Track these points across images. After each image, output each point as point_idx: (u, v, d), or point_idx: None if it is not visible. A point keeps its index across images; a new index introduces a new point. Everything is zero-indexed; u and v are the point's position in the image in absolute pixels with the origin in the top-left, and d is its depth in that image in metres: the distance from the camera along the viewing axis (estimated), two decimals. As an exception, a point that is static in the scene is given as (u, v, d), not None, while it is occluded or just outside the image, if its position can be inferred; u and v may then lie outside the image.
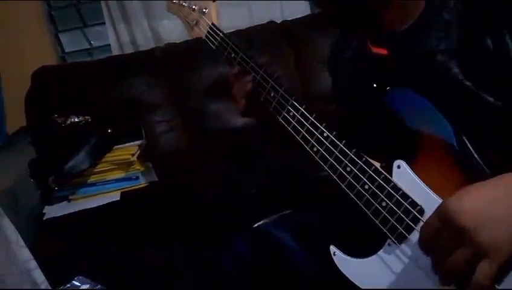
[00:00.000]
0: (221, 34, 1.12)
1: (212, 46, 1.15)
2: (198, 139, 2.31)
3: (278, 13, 2.53)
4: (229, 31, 2.41)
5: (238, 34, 2.43)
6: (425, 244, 0.68)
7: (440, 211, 0.66)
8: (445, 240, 0.65)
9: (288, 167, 1.76)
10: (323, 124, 0.89)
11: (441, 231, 0.66)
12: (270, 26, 2.46)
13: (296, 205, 1.32)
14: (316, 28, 2.28)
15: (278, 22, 2.48)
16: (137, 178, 1.99)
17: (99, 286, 1.34)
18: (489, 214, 0.62)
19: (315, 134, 0.90)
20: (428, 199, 0.73)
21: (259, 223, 1.21)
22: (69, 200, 1.91)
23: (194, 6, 1.21)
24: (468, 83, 0.75)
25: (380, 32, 0.88)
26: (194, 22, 1.21)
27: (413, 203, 0.75)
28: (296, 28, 2.41)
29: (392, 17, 0.85)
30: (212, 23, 1.15)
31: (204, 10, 1.18)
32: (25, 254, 1.42)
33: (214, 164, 2.06)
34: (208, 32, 1.16)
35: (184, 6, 1.24)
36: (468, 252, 0.63)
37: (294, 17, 2.47)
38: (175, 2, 1.27)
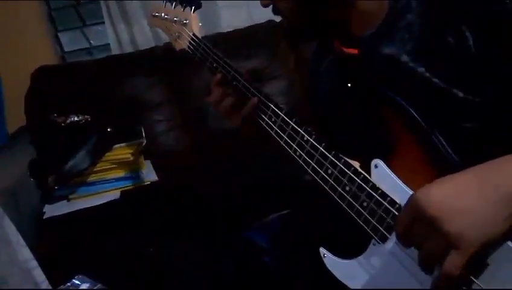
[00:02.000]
0: (202, 44, 1.13)
1: (195, 56, 1.15)
2: (198, 139, 2.31)
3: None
4: (228, 31, 2.44)
5: (237, 33, 2.43)
6: (401, 239, 0.69)
7: (410, 204, 0.66)
8: (418, 232, 0.65)
9: (287, 166, 1.76)
10: (303, 128, 0.90)
11: (413, 224, 0.66)
12: (269, 25, 2.46)
13: (294, 205, 1.33)
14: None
15: (277, 21, 2.48)
16: (137, 177, 1.99)
17: (99, 285, 1.35)
18: (458, 205, 0.62)
19: (296, 138, 0.91)
20: (407, 197, 0.72)
21: (248, 229, 1.21)
22: (68, 199, 1.92)
23: (175, 18, 1.20)
24: (435, 80, 0.75)
25: (349, 36, 0.88)
26: (177, 34, 1.20)
27: (393, 202, 0.76)
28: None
29: (356, 22, 0.86)
30: (193, 34, 1.15)
31: (185, 21, 1.17)
32: (25, 253, 1.42)
33: (214, 163, 2.07)
34: (190, 43, 1.16)
35: (166, 19, 1.23)
36: (438, 243, 0.63)
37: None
38: (157, 16, 1.26)
